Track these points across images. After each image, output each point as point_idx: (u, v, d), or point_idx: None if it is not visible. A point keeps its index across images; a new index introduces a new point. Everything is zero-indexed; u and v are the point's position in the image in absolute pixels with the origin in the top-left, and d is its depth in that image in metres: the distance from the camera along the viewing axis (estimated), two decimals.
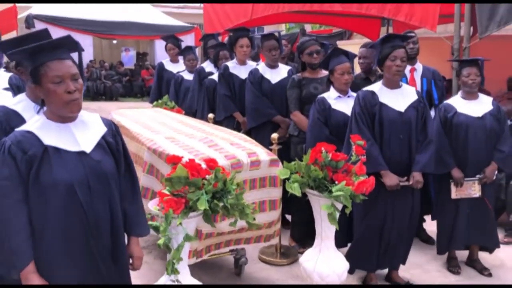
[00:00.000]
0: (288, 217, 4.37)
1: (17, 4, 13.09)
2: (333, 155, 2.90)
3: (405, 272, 3.68)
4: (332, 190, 2.81)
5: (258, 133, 4.24)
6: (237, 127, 4.49)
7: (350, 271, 3.50)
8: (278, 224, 3.30)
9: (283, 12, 7.15)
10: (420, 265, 3.89)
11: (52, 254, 1.80)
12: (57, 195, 1.77)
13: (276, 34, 4.36)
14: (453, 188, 3.60)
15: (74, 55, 1.91)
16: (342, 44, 8.73)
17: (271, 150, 3.58)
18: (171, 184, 2.41)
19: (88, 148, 1.87)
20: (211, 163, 2.56)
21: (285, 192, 3.41)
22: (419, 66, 4.29)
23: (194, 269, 2.86)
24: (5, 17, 11.79)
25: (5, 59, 3.61)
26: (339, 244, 3.28)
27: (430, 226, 4.30)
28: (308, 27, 16.15)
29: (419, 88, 4.22)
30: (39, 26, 14.29)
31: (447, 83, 5.54)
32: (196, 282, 2.64)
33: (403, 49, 3.18)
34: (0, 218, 1.72)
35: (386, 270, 3.59)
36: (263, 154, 3.09)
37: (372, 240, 3.37)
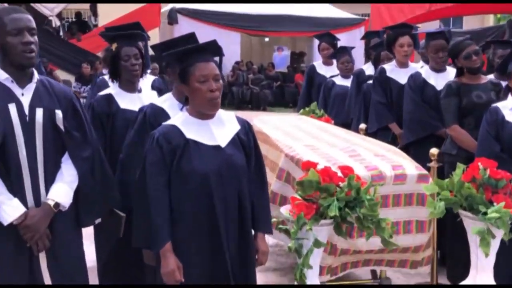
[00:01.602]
0: None
1: None
2: (491, 172, 3.33)
3: None
4: (488, 212, 3.24)
5: (418, 149, 4.70)
6: (393, 141, 5.03)
7: None
8: (428, 250, 3.78)
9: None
10: None
11: (187, 237, 2.63)
12: (194, 183, 2.60)
13: (446, 32, 4.84)
14: None
15: None
16: None
17: (429, 168, 4.09)
18: (303, 188, 3.13)
19: (223, 143, 2.68)
20: (346, 170, 3.21)
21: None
22: None
23: None
24: (148, 13, 13.92)
25: None
26: (502, 279, 3.63)
27: None
28: None
29: None
30: (182, 21, 16.39)
31: None
32: None
33: None
34: (146, 200, 2.59)
35: None
36: (411, 168, 3.63)
37: None
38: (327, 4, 18.57)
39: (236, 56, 17.85)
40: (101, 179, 2.87)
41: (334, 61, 6.62)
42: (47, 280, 2.68)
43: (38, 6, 13.79)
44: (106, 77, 4.73)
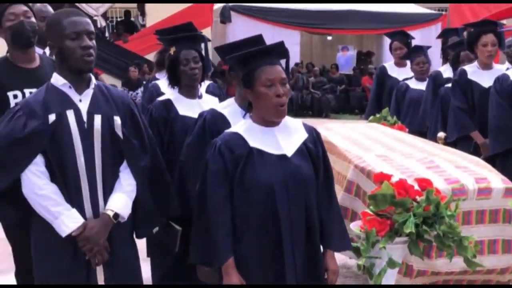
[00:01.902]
0: None
1: None
2: None
3: None
4: None
5: (506, 160, 4.73)
6: (475, 151, 5.03)
7: None
8: None
9: None
10: None
11: (249, 253, 2.73)
12: (258, 195, 2.70)
13: None
14: None
15: None
16: None
17: None
18: (375, 202, 3.19)
19: (289, 152, 2.78)
20: (424, 183, 3.26)
21: None
22: None
23: None
24: (199, 11, 14.24)
25: None
26: None
27: None
28: None
29: None
30: (236, 19, 16.70)
31: None
32: None
33: None
34: (206, 212, 2.71)
35: None
36: (497, 181, 3.63)
37: None
38: None
39: (295, 57, 17.97)
40: (159, 188, 3.04)
41: (408, 62, 6.63)
42: None
43: (83, 6, 14.26)
44: (160, 81, 4.91)
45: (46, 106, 2.77)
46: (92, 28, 2.83)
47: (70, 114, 2.79)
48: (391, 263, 3.15)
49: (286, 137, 2.83)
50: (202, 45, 3.93)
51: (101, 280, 2.84)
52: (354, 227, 3.31)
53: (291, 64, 17.55)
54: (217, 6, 17.14)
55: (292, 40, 17.72)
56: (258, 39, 3.22)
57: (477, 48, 5.27)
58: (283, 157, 2.78)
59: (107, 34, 15.68)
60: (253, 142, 2.77)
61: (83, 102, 2.83)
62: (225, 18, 16.84)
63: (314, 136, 2.93)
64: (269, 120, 2.80)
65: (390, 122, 5.76)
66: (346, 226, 3.04)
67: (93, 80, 2.89)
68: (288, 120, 2.88)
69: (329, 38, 20.71)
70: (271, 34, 17.15)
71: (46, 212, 2.74)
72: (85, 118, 2.81)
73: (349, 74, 19.18)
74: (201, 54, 3.74)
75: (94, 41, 2.82)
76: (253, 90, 2.77)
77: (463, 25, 6.89)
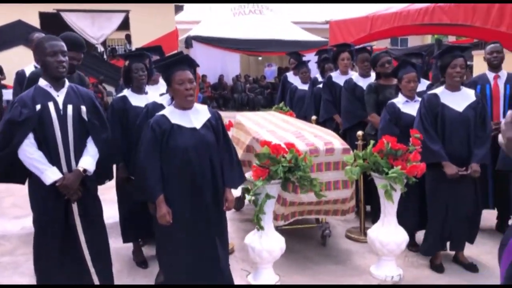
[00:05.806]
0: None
1: (178, 27, 15.60)
2: (392, 144, 3.63)
3: (476, 257, 4.15)
4: (389, 173, 3.55)
5: (352, 133, 5.00)
6: (336, 128, 5.32)
7: (425, 252, 4.07)
8: (352, 202, 4.08)
9: (398, 26, 7.77)
10: (493, 253, 4.28)
11: (173, 193, 2.88)
12: (177, 155, 2.85)
13: (369, 48, 5.14)
14: None
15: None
16: (478, 54, 9.03)
17: (357, 145, 4.41)
18: (259, 158, 3.43)
19: (198, 126, 2.94)
20: (290, 146, 3.51)
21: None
22: (503, 73, 4.64)
23: (289, 237, 3.90)
24: (168, 39, 14.24)
25: None
26: (412, 227, 3.98)
27: None
28: (453, 38, 16.10)
29: (502, 94, 4.61)
30: (196, 45, 16.61)
31: None
32: (279, 236, 3.62)
33: (462, 58, 3.74)
34: (144, 166, 2.85)
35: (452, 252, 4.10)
36: (338, 144, 3.92)
37: (437, 224, 3.87)
38: (304, 31, 18.72)
39: (236, 70, 18.21)
40: (110, 152, 3.16)
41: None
42: (78, 221, 2.98)
43: (88, 38, 14.09)
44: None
45: (34, 100, 2.85)
46: (65, 48, 2.90)
47: (51, 105, 2.87)
48: (268, 196, 3.40)
49: (196, 116, 2.97)
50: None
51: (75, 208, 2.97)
52: (247, 175, 3.54)
53: (233, 75, 17.74)
54: (182, 36, 17.05)
55: (235, 59, 17.94)
56: (179, 54, 3.32)
57: (338, 61, 5.55)
58: (194, 129, 2.92)
59: (105, 56, 15.42)
60: (174, 120, 2.90)
61: (60, 96, 2.91)
62: (188, 44, 16.74)
63: (216, 116, 3.05)
64: (183, 106, 2.94)
65: (285, 110, 6.01)
66: (240, 173, 3.15)
67: (67, 83, 2.98)
68: (197, 106, 3.02)
69: (260, 58, 20.79)
70: (221, 55, 17.37)
71: (35, 169, 2.82)
72: (61, 107, 2.89)
73: (272, 82, 19.34)
74: (146, 65, 3.81)
75: (66, 57, 2.89)
76: (172, 87, 2.92)
77: (330, 46, 7.16)
